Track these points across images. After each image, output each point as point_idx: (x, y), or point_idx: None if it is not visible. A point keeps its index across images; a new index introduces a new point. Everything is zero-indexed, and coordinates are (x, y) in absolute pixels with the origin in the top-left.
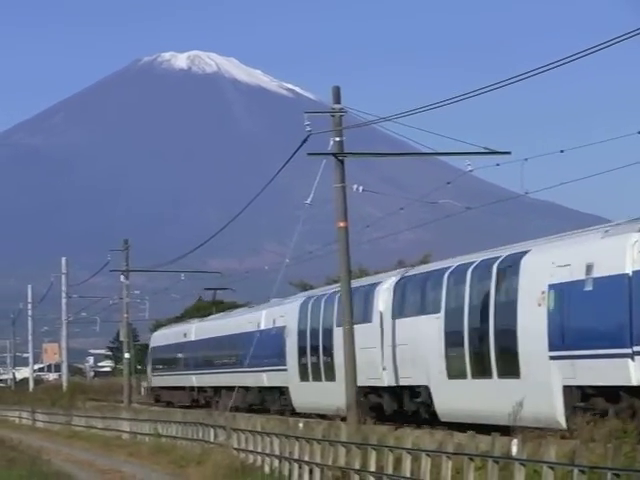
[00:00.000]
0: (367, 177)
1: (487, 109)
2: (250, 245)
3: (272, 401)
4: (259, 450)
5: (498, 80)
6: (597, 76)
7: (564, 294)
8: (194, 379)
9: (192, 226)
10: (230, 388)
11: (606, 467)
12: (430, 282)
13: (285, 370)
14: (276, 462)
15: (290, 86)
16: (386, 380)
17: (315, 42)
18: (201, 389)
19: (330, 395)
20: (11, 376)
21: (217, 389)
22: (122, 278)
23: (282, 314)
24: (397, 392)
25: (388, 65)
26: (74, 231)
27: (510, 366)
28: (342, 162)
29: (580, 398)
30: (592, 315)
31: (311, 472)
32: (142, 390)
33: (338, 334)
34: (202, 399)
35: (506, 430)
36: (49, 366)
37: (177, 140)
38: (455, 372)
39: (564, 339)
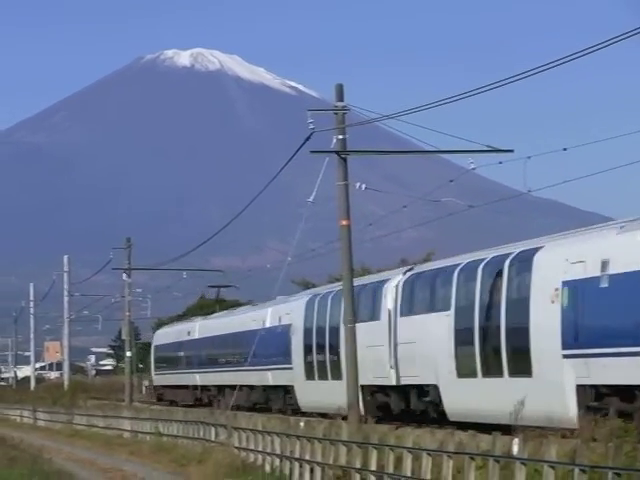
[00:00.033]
0: (370, 175)
1: (490, 107)
2: (253, 243)
3: (277, 400)
4: (260, 449)
5: (499, 79)
6: (598, 75)
7: (578, 291)
8: (198, 378)
9: (194, 224)
10: (234, 387)
11: (607, 466)
12: (440, 279)
13: (290, 369)
14: (277, 461)
15: (293, 84)
16: (394, 379)
17: (318, 40)
18: (205, 388)
19: (337, 394)
20: (13, 374)
21: (221, 388)
22: (124, 276)
23: (288, 312)
24: (405, 391)
25: (391, 63)
26: (76, 229)
27: (522, 365)
28: (345, 160)
29: (594, 397)
30: (607, 312)
31: (312, 471)
32: (143, 389)
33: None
34: (206, 398)
35: (509, 429)
36: (51, 364)
37: (180, 138)
38: (465, 371)
39: (578, 337)
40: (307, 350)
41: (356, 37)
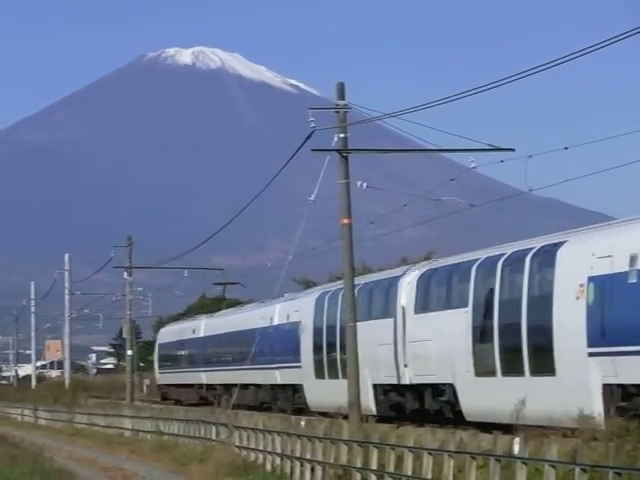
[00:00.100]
0: (371, 173)
1: (491, 106)
2: (254, 241)
3: (285, 399)
4: (261, 448)
5: (499, 78)
6: (598, 75)
7: (605, 287)
8: (203, 376)
9: (196, 222)
10: (241, 386)
11: (608, 466)
12: (457, 275)
13: (299, 367)
14: (278, 460)
15: (294, 82)
16: (408, 377)
17: (319, 38)
18: (210, 387)
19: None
20: (14, 373)
21: (227, 387)
22: (125, 275)
23: (297, 309)
24: (419, 390)
25: (392, 62)
26: (77, 227)
27: (544, 363)
28: (346, 158)
29: (621, 397)
30: (636, 309)
31: (313, 470)
32: (144, 388)
33: (357, 329)
34: (211, 397)
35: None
36: (52, 363)
37: (181, 136)
38: (483, 369)
39: (605, 334)
40: (317, 348)
41: (357, 36)
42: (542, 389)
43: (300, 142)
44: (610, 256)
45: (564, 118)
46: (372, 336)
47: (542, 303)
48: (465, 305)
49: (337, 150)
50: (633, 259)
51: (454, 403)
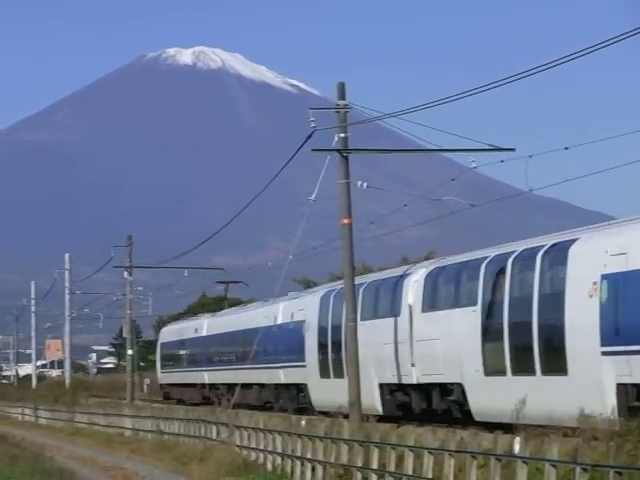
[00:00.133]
0: (371, 173)
1: (491, 106)
2: (254, 241)
3: (289, 399)
4: (262, 447)
5: (499, 78)
6: (599, 75)
7: (620, 284)
8: (206, 376)
9: (196, 222)
10: (244, 385)
11: (608, 465)
12: (465, 273)
13: (304, 366)
14: (278, 459)
15: (295, 82)
16: (415, 377)
17: (320, 38)
18: (213, 386)
19: None
20: (14, 372)
21: (230, 386)
22: (125, 274)
23: (301, 307)
24: (426, 390)
25: (392, 62)
26: (78, 227)
27: (556, 362)
28: (346, 158)
29: (636, 397)
30: None
31: (313, 469)
32: (144, 387)
33: (362, 329)
34: (214, 396)
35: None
36: (52, 362)
37: (181, 136)
38: (493, 368)
39: (619, 333)
40: (322, 347)
41: (358, 36)
42: (554, 388)
43: (300, 142)
44: (625, 253)
45: (564, 118)
46: (378, 335)
47: (554, 301)
48: (474, 303)
49: (337, 150)
50: None
51: (462, 403)
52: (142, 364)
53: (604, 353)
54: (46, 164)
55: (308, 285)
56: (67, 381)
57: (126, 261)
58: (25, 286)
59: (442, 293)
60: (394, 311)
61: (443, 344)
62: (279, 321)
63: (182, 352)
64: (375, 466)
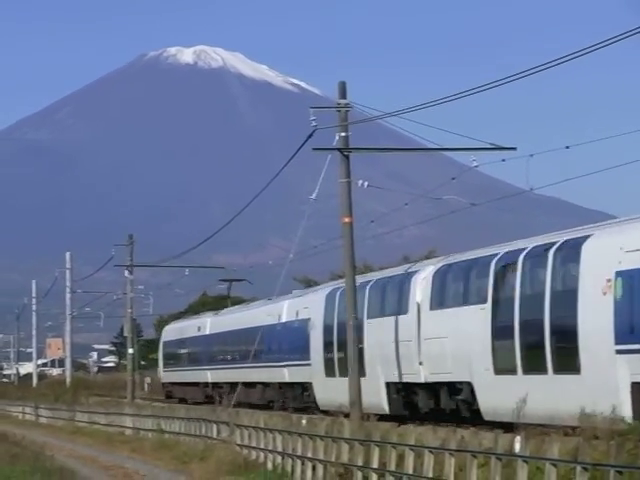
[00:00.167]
0: (372, 172)
1: (492, 105)
2: (255, 240)
3: (293, 397)
4: (262, 446)
5: (500, 77)
6: (599, 74)
7: (635, 281)
8: (209, 374)
9: (196, 221)
10: (248, 384)
11: (609, 464)
12: (475, 270)
13: (309, 365)
14: (279, 458)
15: (296, 81)
16: (423, 376)
17: (321, 37)
18: (216, 385)
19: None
20: (15, 371)
21: (233, 385)
22: (126, 273)
23: (306, 305)
24: (434, 389)
25: (393, 61)
26: (78, 226)
27: (569, 361)
28: (347, 157)
29: None
30: None
31: (314, 468)
32: (145, 386)
33: (369, 327)
34: (217, 395)
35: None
36: (53, 361)
37: (182, 135)
38: (503, 367)
39: (634, 331)
40: (327, 345)
41: (359, 35)
42: (566, 387)
43: (301, 141)
44: None
45: (565, 117)
46: (385, 333)
47: (566, 299)
48: (484, 301)
49: (338, 149)
50: None
51: (471, 402)
52: (143, 363)
53: (618, 351)
54: (47, 163)
55: (309, 284)
56: (68, 380)
57: (127, 260)
58: (26, 285)
59: (450, 291)
60: (402, 309)
61: (452, 342)
62: (283, 319)
63: (185, 351)
64: (376, 465)
